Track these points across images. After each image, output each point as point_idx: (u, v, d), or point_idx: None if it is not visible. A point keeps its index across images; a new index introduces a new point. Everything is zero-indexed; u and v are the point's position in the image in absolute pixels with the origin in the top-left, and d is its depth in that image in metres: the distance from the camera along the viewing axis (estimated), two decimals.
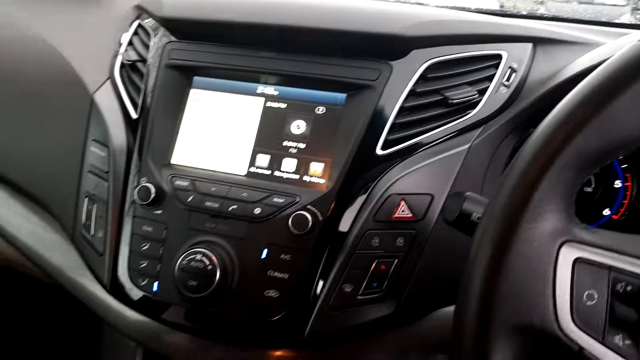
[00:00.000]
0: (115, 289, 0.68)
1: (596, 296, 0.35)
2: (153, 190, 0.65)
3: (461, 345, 0.38)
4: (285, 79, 0.69)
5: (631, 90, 0.36)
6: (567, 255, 0.36)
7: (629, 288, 0.35)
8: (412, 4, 0.95)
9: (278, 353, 0.65)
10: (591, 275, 0.36)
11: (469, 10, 1.01)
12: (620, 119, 0.36)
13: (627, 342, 0.35)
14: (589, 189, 0.68)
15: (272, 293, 0.61)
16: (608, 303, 0.35)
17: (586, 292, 0.36)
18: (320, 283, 0.61)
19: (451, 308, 0.61)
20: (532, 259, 0.36)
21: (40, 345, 1.21)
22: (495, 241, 0.37)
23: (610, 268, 0.36)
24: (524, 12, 1.05)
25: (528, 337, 0.36)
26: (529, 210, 0.37)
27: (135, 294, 0.66)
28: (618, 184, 0.68)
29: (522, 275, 0.36)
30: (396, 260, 0.60)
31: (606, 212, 0.68)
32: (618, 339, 0.35)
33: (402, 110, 0.64)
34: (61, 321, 1.14)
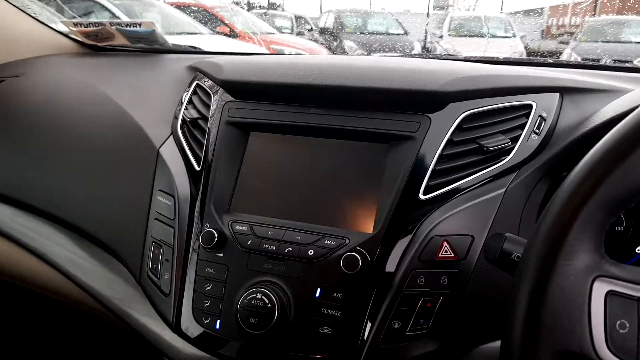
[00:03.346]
0: (180, 328, 0.73)
1: (628, 325, 0.40)
2: (215, 235, 0.71)
3: None
4: (333, 133, 0.75)
5: None
6: (600, 289, 0.41)
7: None
8: (444, 58, 1.01)
9: None
10: (622, 306, 0.40)
11: (498, 60, 1.08)
12: (638, 169, 0.41)
13: None
14: (620, 228, 0.72)
15: (326, 330, 0.66)
16: (639, 331, 0.39)
17: (618, 322, 0.40)
18: (371, 320, 0.65)
19: (494, 344, 0.65)
20: (569, 292, 0.41)
21: None
22: (535, 276, 0.42)
23: (639, 299, 0.40)
24: (551, 60, 1.11)
25: None
26: (564, 249, 0.42)
27: (199, 331, 0.71)
28: None
29: (561, 306, 0.41)
30: (441, 298, 0.64)
31: (638, 249, 0.71)
32: None
33: (441, 158, 0.69)
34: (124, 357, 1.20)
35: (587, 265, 0.41)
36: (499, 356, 0.45)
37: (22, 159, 1.01)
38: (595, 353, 0.40)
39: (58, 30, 1.28)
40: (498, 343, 0.61)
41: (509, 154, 0.70)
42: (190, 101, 0.88)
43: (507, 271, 0.54)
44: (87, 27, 1.22)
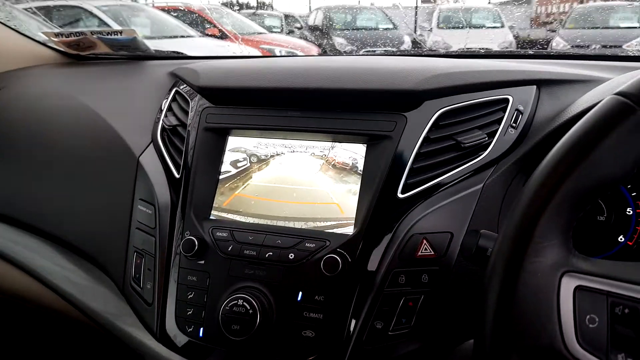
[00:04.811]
0: (164, 336, 0.73)
1: (597, 319, 0.40)
2: (196, 242, 0.70)
3: None
4: (310, 135, 0.75)
5: (607, 140, 0.41)
6: (568, 284, 0.41)
7: (626, 310, 0.39)
8: (423, 55, 1.01)
9: None
10: (591, 300, 0.40)
11: (478, 52, 1.08)
12: (601, 163, 0.41)
13: None
14: (601, 218, 0.72)
15: (309, 333, 0.66)
16: (609, 325, 0.39)
17: (588, 316, 0.40)
18: (353, 321, 0.65)
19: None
20: (537, 289, 0.41)
21: None
22: (503, 275, 0.42)
23: (607, 294, 0.40)
24: (532, 52, 1.11)
25: (539, 359, 0.40)
26: (531, 246, 0.42)
27: (183, 340, 0.71)
28: (629, 211, 0.71)
29: (530, 303, 0.41)
30: (422, 296, 0.64)
31: (621, 238, 0.71)
32: (621, 358, 0.39)
33: (418, 156, 0.69)
34: None
35: (555, 262, 0.41)
36: (472, 354, 0.45)
37: (3, 172, 1.01)
38: (565, 348, 0.40)
39: (40, 41, 1.27)
40: None
41: (486, 149, 0.70)
42: (169, 108, 0.88)
43: (482, 267, 0.54)
44: (68, 36, 1.21)
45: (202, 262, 0.71)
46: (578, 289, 0.41)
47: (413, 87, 0.70)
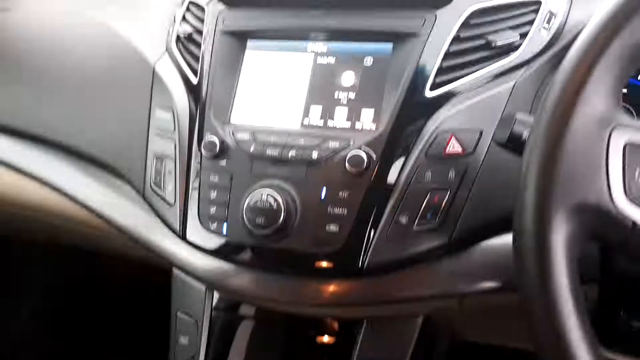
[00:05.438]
0: (188, 235, 0.73)
1: None
2: (217, 143, 0.69)
3: (522, 231, 0.42)
4: (334, 35, 0.72)
5: None
6: (618, 140, 0.39)
7: None
8: None
9: (338, 283, 0.68)
10: None
11: None
12: None
13: None
14: None
15: (333, 227, 0.65)
16: None
17: (637, 170, 0.39)
18: (378, 216, 0.65)
19: (499, 237, 0.64)
20: (585, 145, 0.39)
21: (114, 297, 1.32)
22: (549, 131, 0.41)
23: None
24: None
25: (584, 216, 0.39)
26: (579, 102, 0.40)
27: (207, 237, 0.71)
28: None
29: (577, 159, 0.39)
30: (449, 192, 0.63)
31: None
32: None
33: (447, 54, 0.67)
34: (132, 276, 1.23)
35: (604, 117, 0.40)
36: (513, 222, 0.44)
37: (17, 89, 1.00)
38: (612, 205, 0.39)
39: None
40: (504, 237, 0.61)
41: (517, 50, 0.67)
42: (183, 18, 0.86)
43: (517, 153, 0.53)
44: None
45: (224, 162, 0.70)
46: (628, 144, 0.39)
47: None
